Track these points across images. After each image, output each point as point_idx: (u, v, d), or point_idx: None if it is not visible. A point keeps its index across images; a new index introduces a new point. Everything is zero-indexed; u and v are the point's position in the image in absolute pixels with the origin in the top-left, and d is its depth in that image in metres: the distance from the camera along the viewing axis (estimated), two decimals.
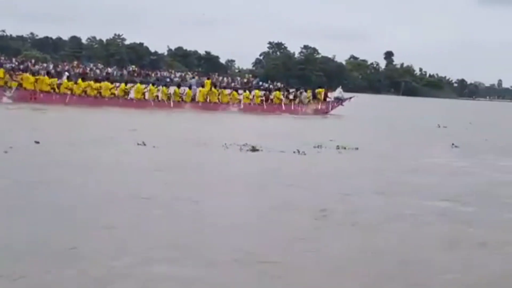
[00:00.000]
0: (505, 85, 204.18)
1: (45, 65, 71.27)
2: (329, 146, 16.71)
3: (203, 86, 34.44)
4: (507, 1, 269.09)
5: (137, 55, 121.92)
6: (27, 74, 29.35)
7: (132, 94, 30.58)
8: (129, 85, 31.46)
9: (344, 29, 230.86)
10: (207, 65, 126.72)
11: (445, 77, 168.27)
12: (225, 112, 31.42)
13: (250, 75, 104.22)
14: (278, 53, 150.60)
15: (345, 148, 16.51)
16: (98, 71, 75.88)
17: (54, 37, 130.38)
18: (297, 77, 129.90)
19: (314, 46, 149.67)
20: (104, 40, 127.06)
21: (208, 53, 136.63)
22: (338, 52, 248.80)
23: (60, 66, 74.12)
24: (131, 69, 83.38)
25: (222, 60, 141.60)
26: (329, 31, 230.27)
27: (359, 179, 11.88)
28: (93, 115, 24.68)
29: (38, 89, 27.90)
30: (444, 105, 79.95)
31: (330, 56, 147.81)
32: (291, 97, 35.71)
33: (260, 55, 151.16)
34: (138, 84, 32.07)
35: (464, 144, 20.41)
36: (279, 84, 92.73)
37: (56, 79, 30.53)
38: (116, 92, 29.89)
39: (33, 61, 76.33)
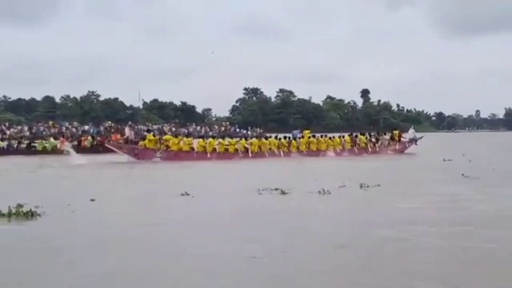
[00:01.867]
0: (483, 115, 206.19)
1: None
2: (353, 185, 17.26)
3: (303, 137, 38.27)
4: (475, 33, 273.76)
5: (112, 110, 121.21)
6: (171, 137, 34.56)
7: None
8: (249, 140, 36.51)
9: (317, 70, 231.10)
10: (184, 115, 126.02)
11: (422, 111, 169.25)
12: (319, 157, 34.85)
13: (228, 123, 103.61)
14: (254, 98, 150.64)
15: (368, 186, 17.02)
16: (74, 129, 74.41)
17: (27, 98, 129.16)
18: (275, 121, 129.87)
19: (289, 89, 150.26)
20: (78, 97, 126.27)
21: (184, 103, 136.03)
22: (314, 93, 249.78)
23: (35, 127, 72.85)
24: (107, 125, 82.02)
25: (199, 110, 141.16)
26: (303, 73, 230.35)
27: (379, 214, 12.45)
28: (217, 168, 27.89)
29: (180, 149, 32.36)
30: (427, 139, 79.68)
31: (306, 98, 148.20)
32: (373, 140, 39.64)
33: (237, 102, 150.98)
34: (254, 139, 36.86)
35: (478, 176, 20.61)
36: (258, 130, 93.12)
37: (191, 138, 35.44)
38: (238, 147, 34.18)
39: (7, 124, 74.89)
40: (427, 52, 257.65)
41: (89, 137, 44.36)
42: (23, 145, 40.61)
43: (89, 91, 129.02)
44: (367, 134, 40.50)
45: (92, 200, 14.49)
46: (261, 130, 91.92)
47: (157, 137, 33.48)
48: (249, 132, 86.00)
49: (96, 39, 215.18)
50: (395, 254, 8.75)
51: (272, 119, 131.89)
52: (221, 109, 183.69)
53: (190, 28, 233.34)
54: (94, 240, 9.80)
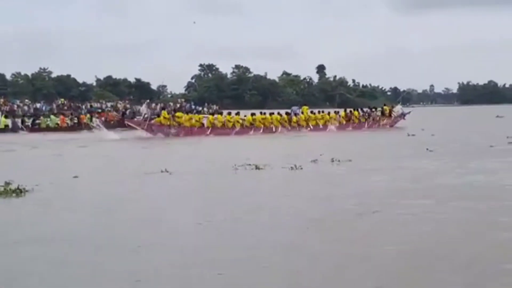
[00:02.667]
0: (437, 90, 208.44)
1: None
2: (325, 160, 17.37)
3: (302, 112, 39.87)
4: (430, 8, 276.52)
5: (65, 87, 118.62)
6: (182, 114, 36.61)
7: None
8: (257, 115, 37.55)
9: (273, 46, 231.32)
10: (139, 92, 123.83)
11: (378, 86, 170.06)
12: (318, 132, 36.55)
13: (183, 100, 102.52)
14: (210, 75, 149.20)
15: (339, 160, 17.20)
16: (26, 107, 72.55)
17: None
18: (231, 97, 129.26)
19: (245, 66, 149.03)
20: (30, 74, 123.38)
21: (138, 80, 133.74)
22: (270, 69, 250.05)
23: None
24: (60, 102, 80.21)
25: (154, 86, 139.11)
26: (258, 49, 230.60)
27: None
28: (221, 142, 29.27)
29: (191, 126, 34.39)
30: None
31: (262, 74, 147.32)
32: (366, 115, 42.04)
33: (192, 78, 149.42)
34: (259, 115, 37.82)
35: (441, 150, 21.26)
36: (214, 107, 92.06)
37: (202, 116, 37.82)
38: (243, 122, 36.00)
39: None
40: (382, 27, 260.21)
41: (88, 115, 45.79)
42: (28, 123, 41.57)
43: (40, 68, 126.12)
44: (360, 110, 42.79)
45: (75, 177, 14.42)
46: (217, 107, 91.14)
47: (171, 115, 35.64)
48: (205, 109, 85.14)
49: (48, 13, 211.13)
50: (353, 224, 9.02)
51: (228, 96, 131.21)
52: (177, 86, 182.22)
53: (144, 3, 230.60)
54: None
